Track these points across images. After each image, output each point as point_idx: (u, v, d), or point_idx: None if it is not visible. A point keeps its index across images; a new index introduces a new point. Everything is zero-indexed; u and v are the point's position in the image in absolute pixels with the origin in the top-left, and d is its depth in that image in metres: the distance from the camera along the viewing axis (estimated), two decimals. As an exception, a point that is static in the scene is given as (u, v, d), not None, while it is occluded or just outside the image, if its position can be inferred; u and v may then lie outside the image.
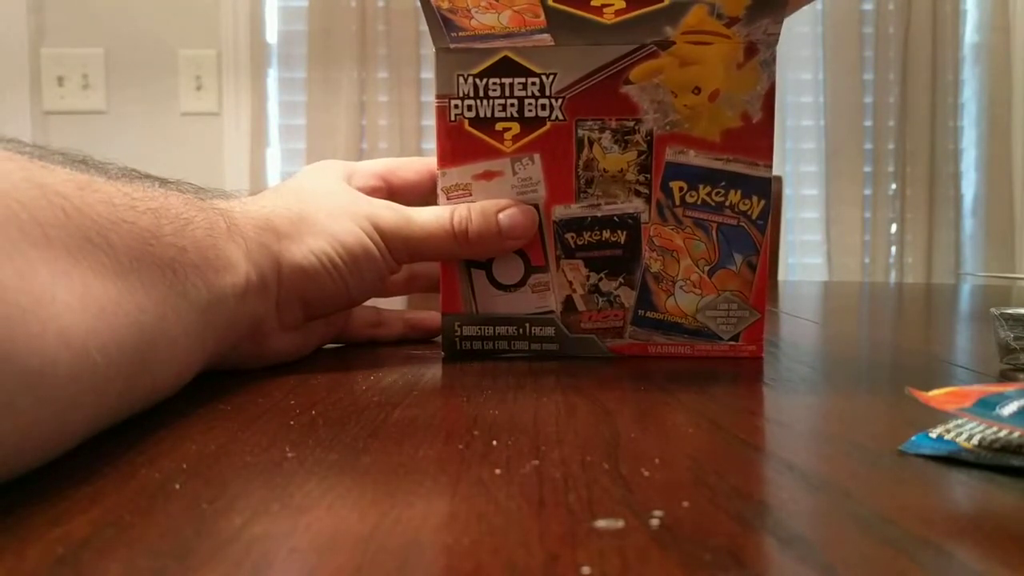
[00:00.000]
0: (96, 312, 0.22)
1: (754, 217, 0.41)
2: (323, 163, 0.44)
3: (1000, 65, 1.99)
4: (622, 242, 0.42)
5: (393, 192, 0.44)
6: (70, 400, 0.21)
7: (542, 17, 0.39)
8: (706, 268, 0.42)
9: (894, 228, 2.01)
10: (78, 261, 0.23)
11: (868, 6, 1.98)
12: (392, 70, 1.95)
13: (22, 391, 0.19)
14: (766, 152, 0.41)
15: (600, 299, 0.42)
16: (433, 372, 0.39)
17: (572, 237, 0.42)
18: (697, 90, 0.40)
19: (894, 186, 1.99)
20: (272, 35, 2.00)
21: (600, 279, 0.42)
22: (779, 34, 0.40)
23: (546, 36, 0.40)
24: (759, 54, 0.40)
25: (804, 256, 2.01)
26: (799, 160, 1.99)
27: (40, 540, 0.17)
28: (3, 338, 0.19)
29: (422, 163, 0.45)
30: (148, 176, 0.32)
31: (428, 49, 1.95)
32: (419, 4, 0.39)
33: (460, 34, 0.40)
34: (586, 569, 0.16)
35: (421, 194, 0.45)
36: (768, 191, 0.41)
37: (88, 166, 0.28)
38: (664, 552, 0.17)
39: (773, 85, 0.40)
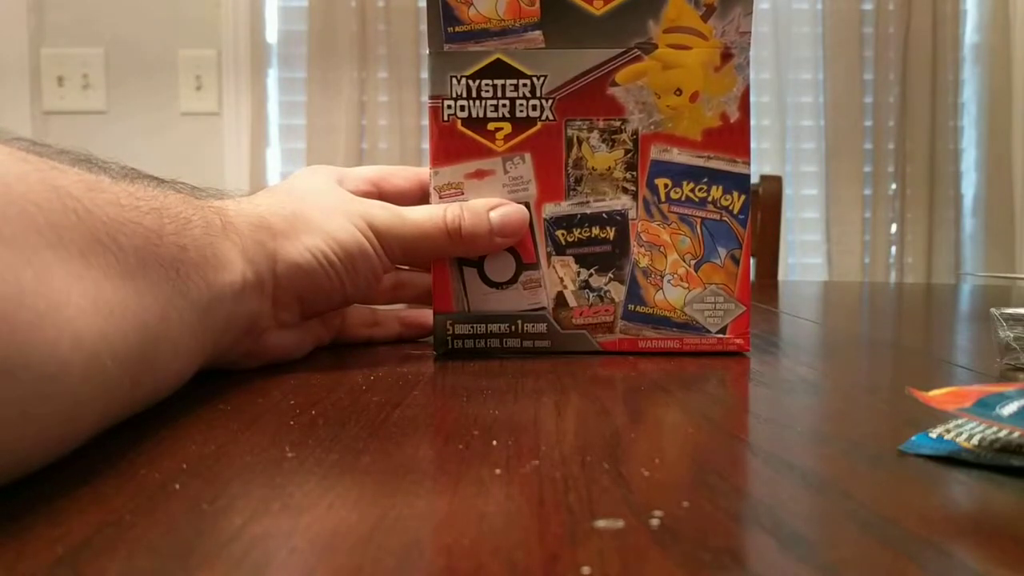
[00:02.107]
0: (106, 315, 0.23)
1: (735, 212, 0.43)
2: (314, 167, 0.44)
3: (1000, 65, 1.99)
4: (611, 238, 0.43)
5: (384, 198, 0.44)
6: (80, 403, 0.21)
7: (536, 6, 0.41)
8: (692, 262, 0.43)
9: (894, 228, 2.01)
10: (89, 263, 0.23)
11: (868, 6, 1.98)
12: (392, 70, 1.95)
13: (37, 397, 0.19)
14: (744, 149, 0.43)
15: (591, 295, 0.43)
16: (432, 372, 0.39)
17: (562, 234, 0.43)
18: (679, 92, 0.42)
19: (894, 186, 1.99)
20: (272, 35, 2.00)
21: (590, 275, 0.43)
22: (750, 34, 0.42)
23: (537, 34, 0.42)
24: (734, 58, 0.42)
25: (804, 256, 2.01)
26: (799, 160, 1.99)
27: (40, 540, 0.17)
28: (22, 344, 0.19)
29: (413, 171, 0.46)
30: (147, 175, 0.32)
31: (427, 50, 1.95)
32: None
33: (456, 28, 0.42)
34: (586, 569, 0.16)
35: (411, 201, 0.45)
36: (747, 186, 0.43)
37: (92, 164, 0.28)
38: (664, 552, 0.17)
39: (748, 87, 0.43)
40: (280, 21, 1.99)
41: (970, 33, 2.02)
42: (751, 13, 0.42)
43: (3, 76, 1.91)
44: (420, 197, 0.45)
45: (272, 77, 1.99)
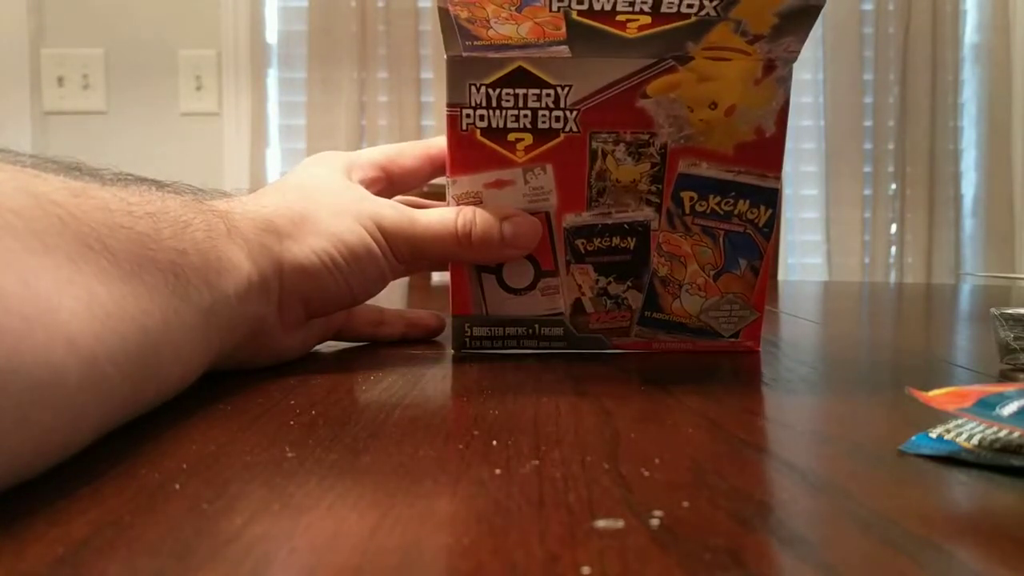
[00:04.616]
0: (103, 318, 0.22)
1: (760, 225, 0.42)
2: (324, 156, 0.43)
3: (1000, 65, 1.99)
4: (631, 248, 0.42)
5: (393, 181, 0.44)
6: (80, 409, 0.21)
7: (563, 30, 0.38)
8: (712, 272, 0.42)
9: (894, 228, 2.01)
10: (80, 268, 0.22)
11: (868, 6, 1.98)
12: (392, 70, 1.95)
13: (34, 404, 0.19)
14: (776, 164, 0.41)
15: (608, 301, 0.43)
16: (433, 372, 0.39)
17: (582, 243, 0.42)
18: (713, 105, 0.40)
19: (894, 186, 1.99)
20: (272, 35, 2.00)
21: (608, 283, 0.43)
22: (800, 52, 0.39)
23: (563, 48, 0.39)
24: (777, 70, 0.40)
25: (804, 256, 2.01)
26: (799, 160, 1.99)
27: (40, 540, 0.17)
28: (10, 350, 0.18)
29: (421, 148, 0.45)
30: (144, 179, 0.32)
31: (428, 49, 1.95)
32: (437, 10, 0.38)
33: (475, 43, 0.39)
34: (586, 569, 0.16)
35: (421, 180, 0.45)
36: (775, 200, 0.41)
37: (82, 172, 0.28)
38: (664, 552, 0.17)
39: (788, 100, 0.40)
40: (280, 21, 1.99)
41: (970, 33, 2.02)
42: (806, 38, 0.38)
43: (3, 76, 1.91)
44: (429, 173, 0.44)
45: (272, 77, 2.00)
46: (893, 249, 2.01)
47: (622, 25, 0.37)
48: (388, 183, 0.44)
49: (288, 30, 1.99)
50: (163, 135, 1.95)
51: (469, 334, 0.43)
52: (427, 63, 1.96)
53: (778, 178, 0.41)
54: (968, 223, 2.05)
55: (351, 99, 1.94)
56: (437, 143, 0.44)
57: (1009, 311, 0.40)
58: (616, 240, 0.42)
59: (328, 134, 1.94)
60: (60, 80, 1.95)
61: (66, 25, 1.94)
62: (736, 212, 0.41)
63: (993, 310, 0.40)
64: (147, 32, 1.94)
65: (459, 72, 0.40)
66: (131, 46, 1.94)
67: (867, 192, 1.99)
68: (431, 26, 1.91)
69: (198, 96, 1.96)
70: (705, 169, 0.41)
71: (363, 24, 1.94)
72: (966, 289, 1.07)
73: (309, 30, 1.94)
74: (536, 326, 0.43)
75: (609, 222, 0.42)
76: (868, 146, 1.99)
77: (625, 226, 0.42)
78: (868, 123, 1.99)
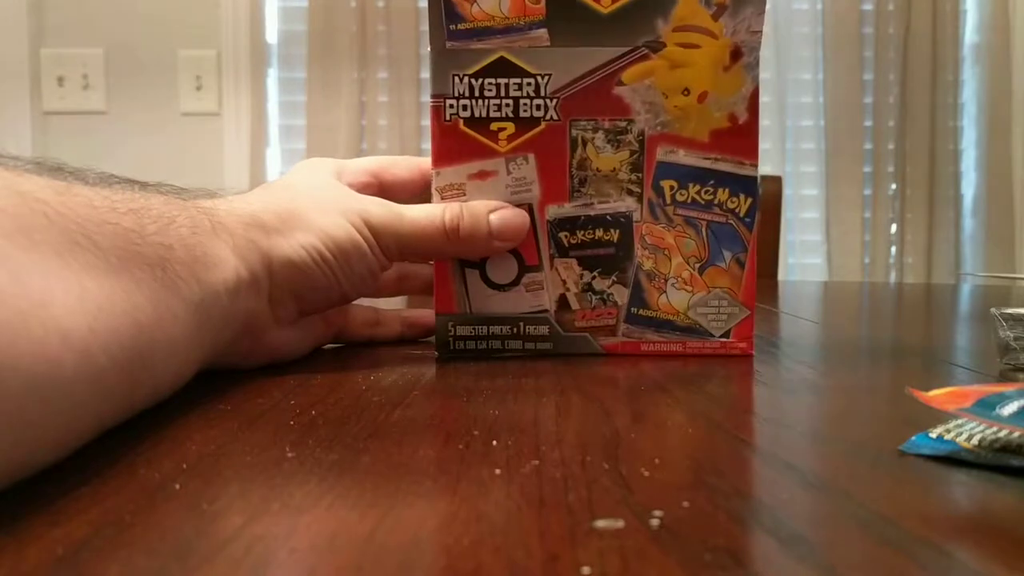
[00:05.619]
0: (95, 312, 0.22)
1: (742, 215, 0.42)
2: (314, 160, 0.44)
3: (1000, 65, 1.99)
4: (615, 241, 0.42)
5: (385, 189, 0.44)
6: (77, 404, 0.21)
7: (542, 4, 0.40)
8: (697, 265, 0.42)
9: (894, 228, 2.01)
10: (68, 263, 0.22)
11: (868, 6, 1.98)
12: (392, 70, 1.95)
13: (31, 400, 0.19)
14: (752, 151, 0.42)
15: (594, 297, 0.43)
16: (433, 372, 0.39)
17: (566, 236, 0.42)
18: (686, 92, 0.41)
19: (894, 186, 1.99)
20: (272, 35, 2.00)
21: (593, 277, 0.43)
22: (761, 33, 0.41)
23: (542, 32, 0.41)
24: (744, 57, 0.41)
25: (804, 256, 2.01)
26: (799, 160, 1.99)
27: (40, 540, 0.17)
28: (8, 345, 0.18)
29: (414, 161, 0.45)
30: (127, 180, 0.32)
31: (428, 49, 1.95)
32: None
33: (459, 26, 0.41)
34: (586, 569, 0.16)
35: (413, 192, 0.45)
36: (754, 189, 0.42)
37: (65, 172, 0.28)
38: (664, 552, 0.17)
39: (757, 88, 0.42)
40: (280, 21, 1.99)
41: (970, 33, 2.02)
42: (763, 12, 0.41)
43: (3, 76, 1.91)
44: (422, 187, 0.44)
45: (272, 77, 2.00)
46: (893, 249, 2.01)
47: None
48: (379, 190, 0.44)
49: (288, 30, 1.99)
50: (163, 135, 1.95)
51: (453, 333, 0.43)
52: (427, 63, 1.93)
53: (755, 166, 0.42)
54: (968, 223, 2.05)
55: (351, 99, 1.94)
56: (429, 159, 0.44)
57: (1009, 311, 0.40)
58: (599, 233, 0.42)
59: (328, 134, 1.94)
60: (60, 80, 1.95)
61: (66, 25, 1.94)
62: (717, 201, 0.42)
63: (993, 310, 0.40)
64: (147, 32, 1.94)
65: (443, 63, 0.42)
66: (131, 46, 1.94)
67: (867, 192, 1.99)
68: (431, 26, 1.91)
69: (198, 96, 1.96)
70: (683, 156, 0.42)
71: (363, 24, 1.94)
72: (966, 289, 1.07)
73: (309, 30, 1.94)
74: (521, 324, 0.43)
75: (592, 213, 0.42)
76: (868, 146, 1.99)
77: (608, 217, 0.42)
78: (868, 123, 1.99)
